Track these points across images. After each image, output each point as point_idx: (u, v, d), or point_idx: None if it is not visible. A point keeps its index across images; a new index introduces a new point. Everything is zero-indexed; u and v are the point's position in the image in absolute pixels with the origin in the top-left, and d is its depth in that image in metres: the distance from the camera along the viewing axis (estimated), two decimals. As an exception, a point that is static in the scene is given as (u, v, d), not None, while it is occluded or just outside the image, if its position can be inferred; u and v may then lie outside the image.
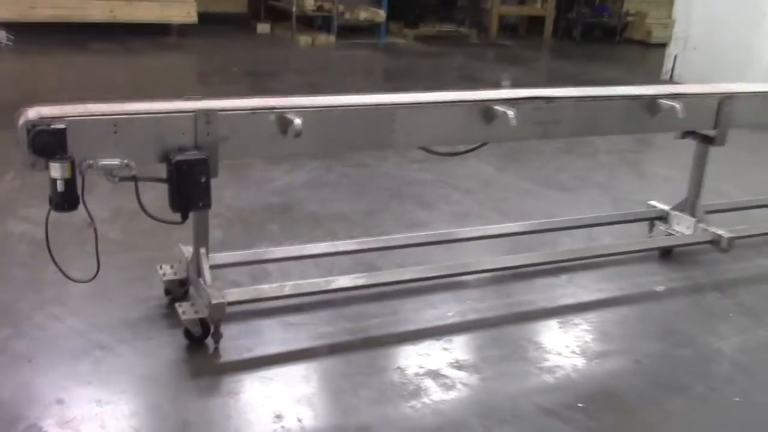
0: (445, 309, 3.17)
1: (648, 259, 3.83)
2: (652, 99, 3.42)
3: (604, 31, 12.39)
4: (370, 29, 11.17)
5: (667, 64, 8.57)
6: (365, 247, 3.42)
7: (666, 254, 3.88)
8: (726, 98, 3.62)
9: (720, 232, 3.75)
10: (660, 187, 4.99)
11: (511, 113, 2.98)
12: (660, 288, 3.53)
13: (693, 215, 3.87)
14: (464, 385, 2.65)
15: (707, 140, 3.75)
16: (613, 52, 11.28)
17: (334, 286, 2.98)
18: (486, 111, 3.06)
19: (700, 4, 8.16)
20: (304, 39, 10.22)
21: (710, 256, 3.88)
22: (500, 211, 4.35)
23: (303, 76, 8.35)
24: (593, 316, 3.23)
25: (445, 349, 2.88)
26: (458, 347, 2.90)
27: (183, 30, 9.90)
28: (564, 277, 3.55)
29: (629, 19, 12.35)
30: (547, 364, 2.82)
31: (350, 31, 11.10)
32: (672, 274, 3.69)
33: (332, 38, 10.52)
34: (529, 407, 2.55)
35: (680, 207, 3.94)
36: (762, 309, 3.40)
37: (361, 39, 10.90)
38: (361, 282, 3.01)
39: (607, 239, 3.94)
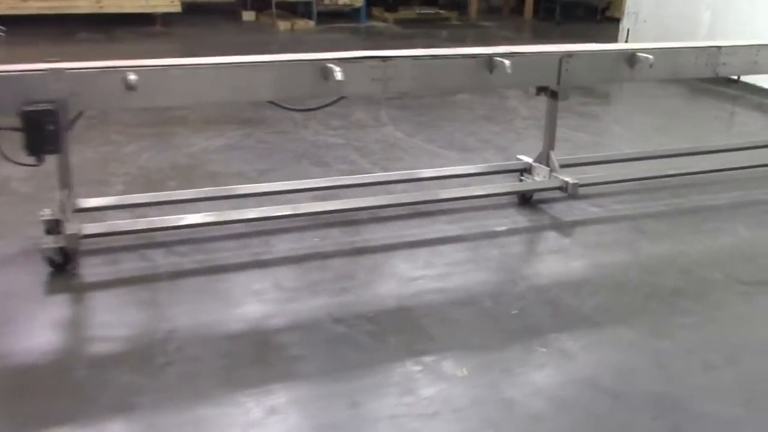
0: (291, 245, 3.61)
1: (508, 205, 4.22)
2: (489, 57, 3.81)
3: (587, 10, 12.61)
4: (351, 14, 11.59)
5: (621, 38, 8.84)
6: (231, 193, 3.87)
7: (525, 201, 4.26)
8: (566, 56, 3.99)
9: (566, 178, 4.12)
10: (558, 147, 5.35)
11: (338, 72, 3.41)
12: (501, 228, 3.92)
13: (548, 165, 4.25)
14: (275, 300, 3.10)
15: (554, 96, 4.13)
16: (589, 30, 11.49)
17: (183, 222, 3.44)
18: (324, 70, 3.49)
19: (648, -21, 8.43)
20: (283, 24, 10.69)
21: (568, 204, 4.26)
22: (389, 168, 4.75)
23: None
24: (424, 251, 3.64)
25: (273, 275, 3.33)
26: (284, 274, 3.34)
27: (168, 19, 10.44)
28: (420, 221, 3.96)
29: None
30: (352, 284, 3.25)
31: (333, 16, 11.55)
32: (520, 217, 4.07)
33: (311, 23, 10.96)
34: (323, 316, 2.99)
35: (539, 159, 4.32)
36: (580, 243, 3.78)
37: (341, 23, 11.33)
38: (210, 219, 3.47)
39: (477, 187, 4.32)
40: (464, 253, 3.61)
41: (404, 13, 11.74)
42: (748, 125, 6.43)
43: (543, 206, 4.22)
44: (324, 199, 4.01)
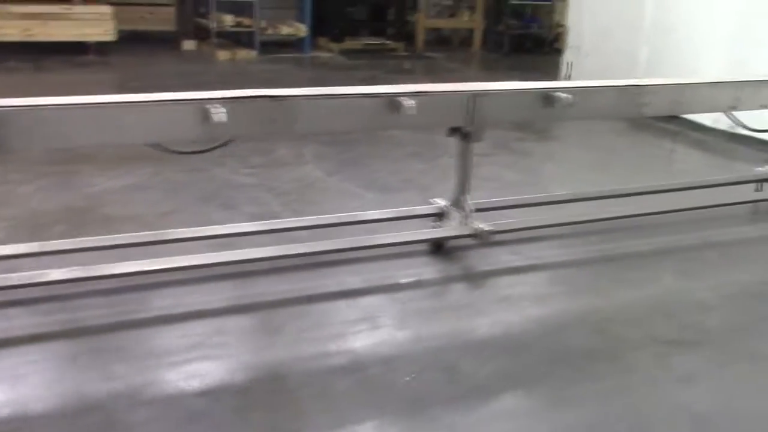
0: (170, 301, 3.28)
1: (419, 253, 3.94)
2: (393, 97, 3.54)
3: (535, 42, 12.54)
4: (296, 44, 11.36)
5: (563, 71, 8.70)
6: (114, 243, 3.54)
7: (438, 249, 3.98)
8: (477, 95, 3.74)
9: (479, 225, 3.85)
10: (483, 187, 5.11)
11: (219, 113, 3.11)
12: (405, 280, 3.63)
13: (461, 210, 3.98)
14: (133, 371, 2.77)
15: (467, 137, 3.88)
16: (535, 62, 11.41)
17: (46, 279, 3.09)
18: (204, 111, 3.19)
19: (589, 14, 8.33)
20: (223, 54, 10.41)
21: (483, 252, 3.99)
22: (300, 212, 4.45)
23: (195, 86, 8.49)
24: (317, 308, 3.33)
25: (141, 339, 2.99)
26: (153, 337, 3.01)
27: (103, 48, 10.11)
28: (321, 271, 3.65)
29: (559, 29, 12.47)
30: (226, 349, 2.93)
31: (279, 45, 11.31)
32: (429, 267, 3.79)
33: (254, 53, 10.70)
34: (182, 388, 2.65)
35: (453, 204, 4.06)
36: (490, 297, 3.51)
37: (285, 53, 11.09)
38: (75, 275, 3.13)
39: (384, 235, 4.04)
40: (360, 310, 3.31)
41: (350, 44, 11.55)
42: (686, 163, 6.27)
43: (457, 254, 3.95)
44: (223, 246, 3.69)
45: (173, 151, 3.42)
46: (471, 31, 12.49)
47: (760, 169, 5.18)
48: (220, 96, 3.25)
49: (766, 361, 3.04)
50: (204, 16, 10.80)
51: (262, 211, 4.48)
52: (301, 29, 11.08)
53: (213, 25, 10.48)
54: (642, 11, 7.55)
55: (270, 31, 11.00)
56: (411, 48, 12.01)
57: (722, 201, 4.69)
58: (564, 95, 3.81)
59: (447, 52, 12.24)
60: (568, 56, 8.65)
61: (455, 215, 4.01)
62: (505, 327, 3.23)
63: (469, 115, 3.74)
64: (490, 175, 5.49)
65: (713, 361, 3.00)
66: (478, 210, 4.19)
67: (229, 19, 10.58)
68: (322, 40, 11.69)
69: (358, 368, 2.83)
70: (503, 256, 3.98)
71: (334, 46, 11.44)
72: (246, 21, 10.71)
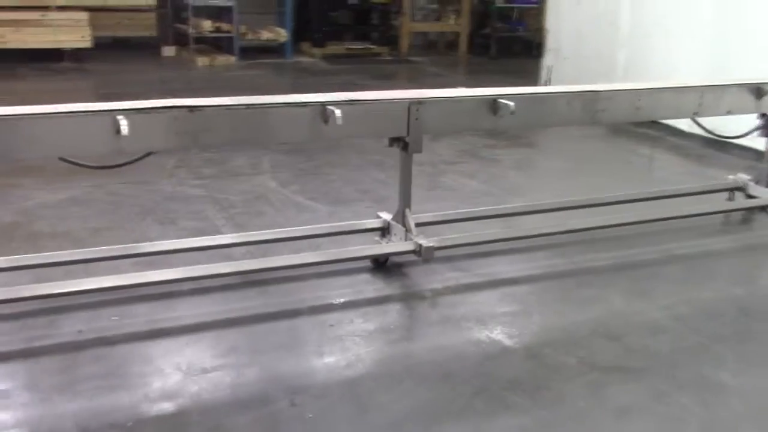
0: (80, 325, 3.07)
1: (360, 270, 3.73)
2: (322, 106, 3.33)
3: (523, 45, 12.31)
4: (277, 49, 11.17)
5: (544, 75, 8.48)
6: (31, 263, 3.34)
7: (380, 265, 3.77)
8: (415, 103, 3.53)
9: (420, 241, 3.64)
10: (442, 198, 4.91)
11: (124, 126, 2.91)
12: (338, 300, 3.41)
13: (403, 225, 3.77)
14: (21, 404, 2.56)
15: (406, 147, 3.66)
16: (521, 66, 11.14)
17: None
18: (114, 122, 2.99)
19: (567, 17, 8.11)
20: (201, 60, 10.23)
21: (427, 268, 3.77)
22: (243, 226, 4.24)
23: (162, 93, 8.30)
24: (235, 332, 3.12)
25: (35, 369, 2.79)
26: (51, 366, 2.80)
27: (80, 55, 9.94)
28: (249, 291, 3.44)
29: (546, 32, 12.24)
30: (125, 380, 2.72)
31: (260, 50, 11.12)
32: (367, 286, 3.58)
33: (233, 59, 10.51)
34: (69, 427, 2.44)
35: (396, 218, 3.84)
36: (424, 319, 3.29)
37: (266, 59, 10.90)
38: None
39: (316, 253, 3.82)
40: (282, 335, 3.10)
41: (333, 48, 11.35)
42: (660, 170, 6.04)
43: (399, 271, 3.74)
44: (149, 265, 3.49)
45: (85, 165, 3.22)
46: (457, 34, 12.26)
47: (731, 177, 4.95)
48: (130, 107, 3.05)
49: (714, 390, 2.81)
50: (184, 21, 10.62)
51: (203, 225, 4.27)
52: (282, 34, 10.89)
53: (191, 30, 10.28)
54: (619, 14, 7.34)
55: (250, 37, 10.81)
56: (395, 52, 11.80)
57: (690, 212, 4.46)
58: (508, 103, 3.60)
59: (432, 56, 12.03)
60: (547, 60, 8.42)
61: (398, 230, 3.79)
62: (434, 353, 3.01)
63: (408, 124, 3.53)
64: (452, 184, 5.30)
65: (654, 390, 2.78)
66: (427, 224, 4.01)
67: (207, 25, 10.40)
68: (305, 45, 11.50)
69: (262, 402, 2.62)
70: (449, 273, 3.76)
71: (317, 51, 11.24)
72: (225, 26, 10.51)
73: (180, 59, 10.72)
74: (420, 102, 3.53)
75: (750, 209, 4.76)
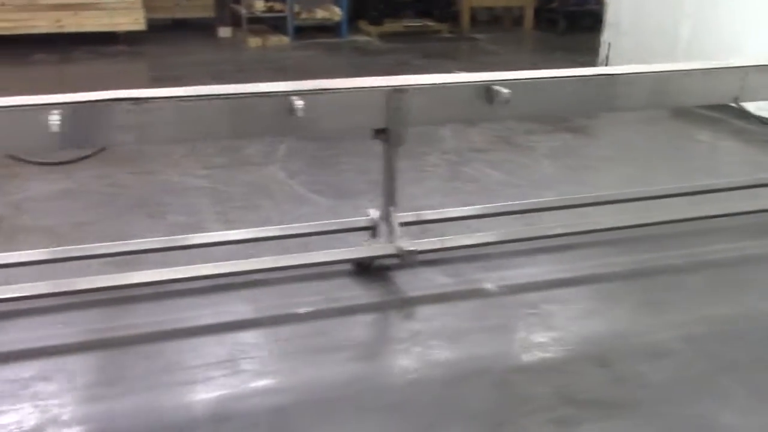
0: (18, 334, 2.89)
1: (340, 274, 3.42)
2: (284, 96, 3.02)
3: (594, 20, 11.58)
4: (333, 28, 10.88)
5: (603, 52, 7.87)
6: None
7: (363, 269, 3.45)
8: (395, 92, 3.17)
9: (402, 244, 3.30)
10: (459, 190, 4.55)
11: (54, 123, 2.68)
12: (305, 310, 3.12)
13: (387, 225, 3.43)
14: None
15: (388, 140, 3.32)
16: (588, 42, 10.45)
17: None
18: (46, 118, 2.76)
19: (628, -11, 7.48)
20: (254, 41, 10.05)
21: (416, 272, 3.44)
22: (234, 222, 4.00)
23: (208, 76, 8.14)
24: (174, 346, 2.87)
25: None
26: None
27: (134, 38, 9.94)
28: (214, 297, 3.20)
29: (606, 5, 11.48)
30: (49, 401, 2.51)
31: (316, 30, 10.87)
32: (343, 293, 3.27)
33: (286, 39, 10.30)
34: None
35: (382, 217, 3.51)
36: (395, 335, 2.95)
37: (321, 38, 10.63)
38: None
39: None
40: (229, 348, 2.83)
41: (389, 27, 10.96)
42: (716, 159, 5.44)
43: (383, 275, 3.41)
44: (123, 265, 3.30)
45: (34, 162, 3.03)
46: (524, 9, 11.64)
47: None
48: (66, 100, 2.81)
49: (709, 434, 2.38)
50: (239, 2, 10.46)
51: (193, 221, 4.05)
52: (337, 12, 10.58)
53: (243, 11, 10.12)
54: (683, -17, 6.67)
55: (304, 16, 10.54)
56: (456, 29, 11.31)
57: (726, 210, 3.94)
58: (501, 90, 3.19)
59: (495, 32, 11.46)
60: (606, 36, 7.81)
61: (384, 231, 3.46)
62: (391, 377, 2.69)
63: (389, 114, 3.19)
64: (475, 175, 4.90)
65: (635, 432, 2.37)
66: (422, 222, 3.66)
67: (260, 5, 10.20)
68: (363, 24, 11.16)
69: (183, 429, 2.36)
70: (439, 279, 3.41)
71: (373, 29, 10.88)
72: (277, 6, 10.29)
73: (235, 40, 10.58)
74: (401, 90, 3.17)
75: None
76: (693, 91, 3.62)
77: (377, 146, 5.35)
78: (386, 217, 3.43)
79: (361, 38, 10.86)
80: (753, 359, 2.78)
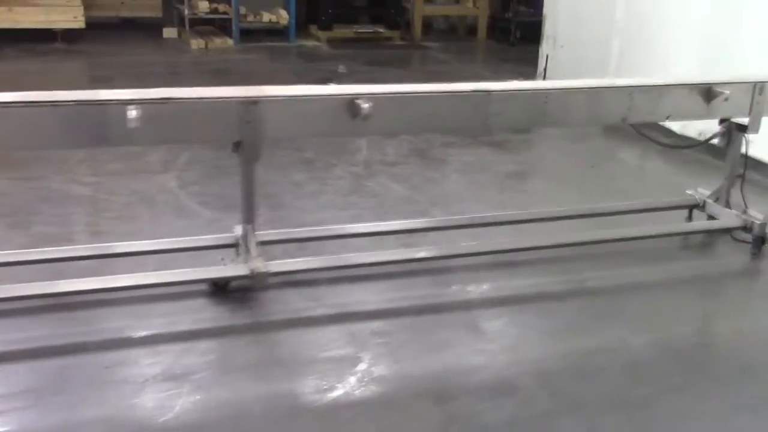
0: None
1: (195, 295, 3.22)
2: (121, 105, 2.82)
3: (549, 31, 11.47)
4: (282, 32, 10.68)
5: (541, 65, 7.74)
6: None
7: (220, 289, 3.25)
8: (248, 104, 2.98)
9: (256, 265, 3.10)
10: (354, 205, 4.37)
11: None
12: (141, 334, 2.91)
13: (245, 244, 3.24)
14: None
15: (243, 155, 3.12)
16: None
17: None
18: None
19: (563, 3, 7.34)
20: (196, 43, 9.84)
21: (276, 294, 3.25)
22: (105, 234, 3.78)
23: (133, 77, 7.91)
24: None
25: None
26: None
27: (73, 36, 9.69)
28: (52, 317, 2.99)
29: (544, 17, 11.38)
30: None
31: (267, 33, 10.67)
32: (185, 316, 3.06)
33: (230, 41, 10.08)
34: None
35: (242, 235, 3.31)
36: (223, 366, 2.75)
37: (268, 42, 10.44)
38: None
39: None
40: (45, 376, 2.62)
41: (339, 32, 10.78)
42: (625, 178, 5.29)
43: (240, 297, 3.21)
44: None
45: None
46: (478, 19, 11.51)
47: (690, 192, 4.23)
48: None
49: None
50: (183, 2, 10.24)
51: (57, 232, 3.84)
52: (283, 16, 10.39)
53: (186, 11, 9.90)
54: (615, -3, 6.54)
55: (251, 19, 10.34)
56: (408, 37, 11.15)
57: (621, 235, 3.80)
58: (363, 104, 3.01)
59: (448, 41, 11.33)
60: (544, 48, 7.67)
61: (243, 249, 3.27)
62: (209, 412, 2.48)
63: (242, 127, 2.99)
64: (376, 189, 4.71)
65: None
66: (287, 241, 3.48)
67: (203, 6, 9.99)
68: (314, 28, 10.97)
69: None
70: (298, 303, 3.23)
71: (322, 34, 10.70)
72: (222, 8, 10.08)
73: (179, 42, 10.36)
74: (254, 102, 2.98)
75: (705, 232, 4.05)
76: (575, 111, 3.47)
77: (288, 156, 5.21)
78: (244, 236, 3.23)
79: (309, 43, 10.69)
80: (602, 398, 2.61)
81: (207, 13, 10.04)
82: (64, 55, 9.17)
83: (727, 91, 3.57)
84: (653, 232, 3.87)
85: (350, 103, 3.06)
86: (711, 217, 4.11)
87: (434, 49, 10.60)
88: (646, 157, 5.70)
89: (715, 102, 3.61)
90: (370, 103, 3.01)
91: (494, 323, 3.09)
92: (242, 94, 3.00)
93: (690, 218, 4.21)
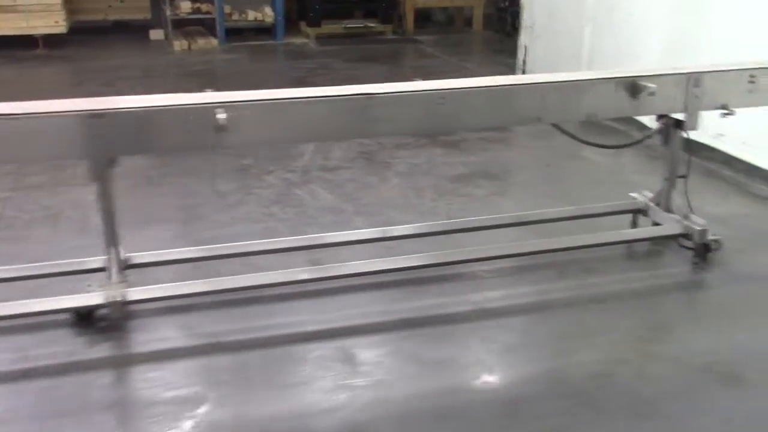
0: None
1: (57, 325, 2.97)
2: None
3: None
4: (270, 30, 10.43)
5: (520, 56, 7.35)
6: None
7: (85, 319, 2.99)
8: (93, 117, 2.71)
9: (113, 293, 2.84)
10: (275, 217, 4.08)
11: None
12: None
13: (109, 268, 2.98)
14: None
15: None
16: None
17: None
18: None
19: (540, -10, 6.95)
20: (179, 44, 9.63)
21: (146, 321, 2.98)
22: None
23: (102, 84, 7.71)
24: None
25: None
26: None
27: (56, 41, 9.57)
28: None
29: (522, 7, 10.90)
30: None
31: (255, 32, 10.43)
32: (43, 348, 2.82)
33: (215, 41, 9.86)
34: None
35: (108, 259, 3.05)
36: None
37: (255, 41, 10.20)
38: None
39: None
40: None
41: (328, 28, 10.48)
42: (579, 179, 4.88)
43: (106, 326, 2.94)
44: None
45: None
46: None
47: (635, 195, 3.86)
48: None
49: None
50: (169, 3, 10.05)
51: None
52: (268, 14, 10.13)
53: (168, 12, 9.70)
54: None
55: (236, 17, 10.10)
56: (401, 30, 10.80)
57: (552, 246, 3.46)
58: (220, 115, 2.72)
59: (442, 34, 10.95)
60: (523, 39, 7.27)
61: (114, 273, 3.00)
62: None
63: (85, 143, 2.73)
64: (304, 198, 4.43)
65: None
66: (148, 264, 3.21)
67: (186, 6, 9.78)
68: (303, 25, 10.69)
69: None
70: (166, 332, 2.97)
71: (311, 31, 10.41)
72: (205, 7, 9.86)
73: (164, 43, 10.16)
74: (100, 115, 2.71)
75: (641, 240, 3.68)
76: (479, 112, 3.12)
77: (228, 162, 4.93)
78: (109, 259, 2.97)
79: (297, 40, 10.42)
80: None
81: (189, 14, 9.84)
82: (43, 62, 9.04)
83: (653, 85, 3.19)
84: (586, 242, 3.51)
85: (209, 113, 2.77)
86: (656, 223, 3.73)
87: (425, 43, 10.24)
88: (613, 154, 5.29)
89: (642, 97, 3.23)
90: (227, 114, 2.72)
91: (369, 353, 2.77)
92: (87, 107, 2.73)
93: (635, 224, 3.84)
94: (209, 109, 2.76)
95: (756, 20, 4.47)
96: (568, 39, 6.36)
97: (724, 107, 3.43)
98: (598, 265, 3.50)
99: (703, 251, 3.49)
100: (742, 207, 4.30)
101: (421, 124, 3.08)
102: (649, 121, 5.28)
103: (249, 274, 3.13)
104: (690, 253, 3.51)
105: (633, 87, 3.25)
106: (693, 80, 3.32)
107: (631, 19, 5.58)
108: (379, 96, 2.94)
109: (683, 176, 3.59)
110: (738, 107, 3.44)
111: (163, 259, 3.25)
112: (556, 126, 3.40)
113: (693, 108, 3.36)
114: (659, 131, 3.54)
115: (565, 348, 2.82)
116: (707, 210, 4.19)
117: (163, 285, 3.04)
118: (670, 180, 3.60)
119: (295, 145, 5.20)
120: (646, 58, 5.34)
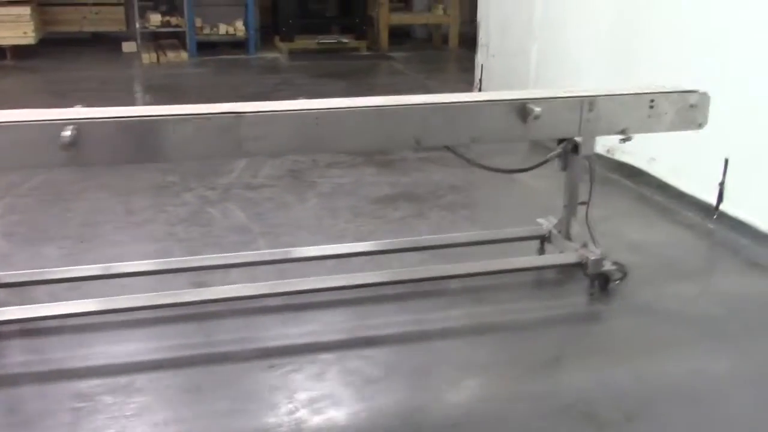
0: None
1: None
2: None
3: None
4: (243, 44, 10.38)
5: (477, 75, 7.24)
6: None
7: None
8: None
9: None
10: (160, 239, 3.97)
11: None
12: None
13: None
14: None
15: None
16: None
17: None
18: None
19: (493, 10, 6.84)
20: (147, 57, 9.58)
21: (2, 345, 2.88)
22: None
23: (52, 95, 7.66)
24: None
25: None
26: None
27: (25, 52, 9.55)
28: None
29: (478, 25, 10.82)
30: None
31: (229, 46, 10.40)
32: None
33: (185, 55, 9.81)
34: None
35: None
36: None
37: (227, 55, 10.15)
38: None
39: None
40: None
41: (302, 43, 10.41)
42: (501, 202, 4.77)
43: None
44: None
45: None
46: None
47: (541, 221, 3.73)
48: None
49: None
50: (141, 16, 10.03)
51: None
52: (240, 28, 10.08)
53: (138, 25, 9.67)
54: (534, 2, 6.02)
55: (207, 31, 10.06)
56: (375, 47, 10.72)
57: (457, 271, 3.34)
58: (65, 133, 2.62)
59: (417, 51, 10.88)
60: (479, 57, 7.17)
61: None
62: None
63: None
64: (213, 218, 4.35)
65: None
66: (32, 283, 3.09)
67: (155, 19, 9.74)
68: (276, 39, 10.64)
69: None
70: (17, 357, 2.85)
71: (284, 46, 10.34)
72: (175, 20, 9.82)
73: (136, 56, 10.13)
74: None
75: (538, 269, 3.55)
76: (355, 134, 3.00)
77: (151, 178, 4.82)
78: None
79: (270, 55, 10.37)
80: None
81: (158, 27, 9.79)
82: (6, 72, 9.00)
83: (538, 109, 3.07)
84: (475, 270, 3.37)
85: (55, 131, 2.66)
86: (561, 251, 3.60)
87: (398, 60, 10.16)
88: (551, 176, 5.14)
89: (529, 120, 3.11)
90: (74, 132, 2.61)
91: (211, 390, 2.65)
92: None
93: (542, 250, 3.71)
94: (59, 125, 2.65)
95: (694, 36, 4.33)
96: (519, 57, 6.26)
97: (623, 132, 3.32)
98: (492, 293, 3.37)
99: (602, 281, 3.35)
100: (664, 235, 4.16)
101: (294, 145, 2.97)
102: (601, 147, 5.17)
103: (117, 297, 3.02)
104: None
105: (522, 110, 3.12)
106: (587, 104, 3.19)
107: (575, 37, 5.46)
108: (249, 115, 2.83)
109: (584, 203, 3.46)
110: (637, 132, 3.33)
111: (37, 279, 3.14)
112: (448, 148, 3.27)
113: (587, 132, 3.24)
114: (558, 155, 3.41)
115: (431, 384, 2.69)
116: (629, 237, 4.07)
117: (16, 307, 2.92)
118: (570, 206, 3.47)
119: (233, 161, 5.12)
120: (591, 76, 5.23)
